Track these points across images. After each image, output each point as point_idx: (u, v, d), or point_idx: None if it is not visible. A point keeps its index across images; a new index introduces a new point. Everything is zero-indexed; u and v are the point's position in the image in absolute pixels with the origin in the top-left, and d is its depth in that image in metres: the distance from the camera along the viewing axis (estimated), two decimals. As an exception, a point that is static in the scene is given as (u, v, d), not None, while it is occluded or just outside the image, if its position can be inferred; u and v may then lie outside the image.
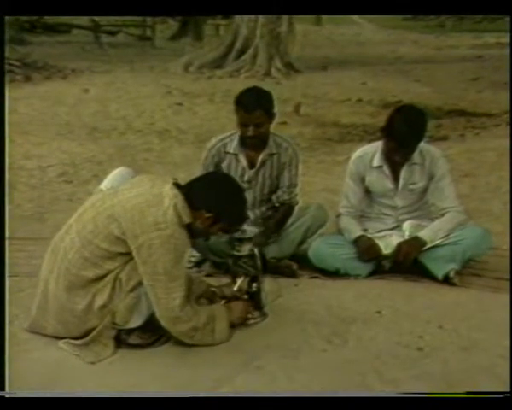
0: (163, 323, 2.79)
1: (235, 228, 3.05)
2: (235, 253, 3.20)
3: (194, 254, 3.84)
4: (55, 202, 5.18)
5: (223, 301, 3.07)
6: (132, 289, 2.80)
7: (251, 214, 3.91)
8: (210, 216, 2.79)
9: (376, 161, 3.78)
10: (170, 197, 2.72)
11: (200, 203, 2.78)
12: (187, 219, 2.76)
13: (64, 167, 6.18)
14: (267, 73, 12.32)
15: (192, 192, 2.80)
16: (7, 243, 2.70)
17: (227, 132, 3.92)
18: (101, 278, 2.80)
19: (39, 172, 5.92)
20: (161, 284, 2.72)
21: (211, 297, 3.13)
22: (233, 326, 2.98)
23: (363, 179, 3.84)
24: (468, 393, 2.22)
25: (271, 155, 3.84)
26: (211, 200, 2.80)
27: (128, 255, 2.77)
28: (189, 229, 2.80)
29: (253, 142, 3.73)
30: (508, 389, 2.36)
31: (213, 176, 3.03)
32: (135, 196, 2.75)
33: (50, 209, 4.98)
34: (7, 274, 2.70)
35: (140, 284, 2.79)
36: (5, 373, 2.43)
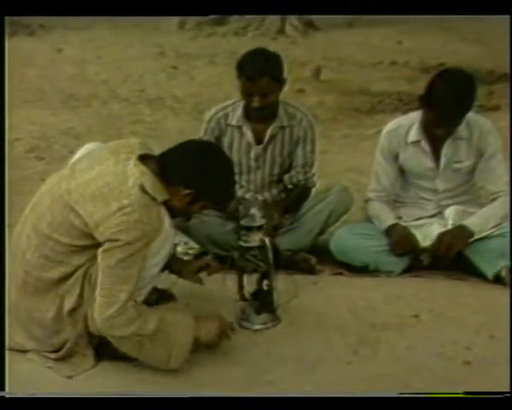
0: (96, 323, 2.72)
1: (220, 207, 3.04)
2: (243, 244, 3.21)
3: (192, 246, 3.87)
4: (24, 182, 5.19)
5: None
6: None
7: (260, 198, 3.92)
8: (189, 193, 2.76)
9: (413, 136, 3.78)
10: (135, 176, 2.67)
11: (176, 178, 2.75)
12: (160, 196, 2.71)
13: (34, 141, 6.19)
14: (280, 31, 12.26)
15: (166, 165, 2.76)
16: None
17: (230, 101, 3.93)
18: (69, 276, 2.79)
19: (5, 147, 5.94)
20: (111, 271, 2.66)
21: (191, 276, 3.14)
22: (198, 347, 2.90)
23: (396, 157, 3.85)
24: (467, 393, 2.45)
25: (282, 127, 3.85)
26: (188, 174, 2.76)
27: (98, 247, 2.73)
28: (167, 207, 2.77)
29: (260, 113, 3.75)
30: (508, 389, 2.58)
31: (192, 145, 2.92)
32: (94, 179, 2.71)
33: (18, 191, 4.98)
34: (7, 274, 2.84)
35: None
36: (5, 373, 2.66)
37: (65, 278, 2.79)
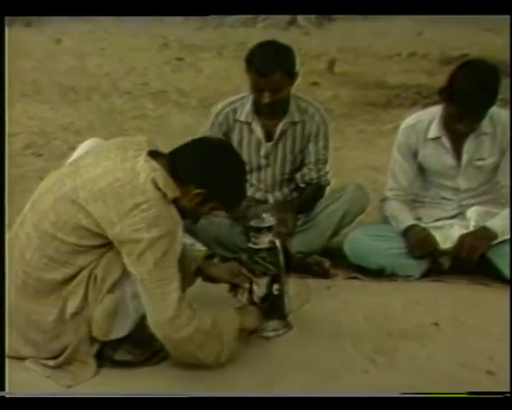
0: (157, 329, 2.76)
1: (230, 209, 3.04)
2: (252, 246, 3.18)
3: (199, 248, 3.86)
4: (21, 180, 5.21)
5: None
6: (111, 289, 2.79)
7: (270, 198, 3.91)
8: (200, 193, 2.77)
9: (433, 131, 3.77)
10: (147, 172, 2.68)
11: (187, 177, 2.75)
12: (171, 193, 2.72)
13: (31, 137, 6.22)
14: (292, 21, 12.28)
15: (177, 163, 2.77)
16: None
17: (238, 95, 3.93)
18: (73, 277, 2.79)
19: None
20: (153, 275, 2.70)
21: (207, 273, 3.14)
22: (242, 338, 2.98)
23: (415, 154, 3.84)
24: (469, 393, 2.55)
25: (294, 123, 3.85)
26: (200, 173, 2.77)
27: (105, 247, 2.75)
28: (176, 207, 2.77)
29: (270, 109, 3.74)
30: (508, 389, 2.66)
31: (204, 142, 2.95)
32: (102, 175, 2.71)
33: (14, 190, 4.99)
34: (7, 273, 2.85)
35: (121, 280, 2.78)
36: (5, 373, 2.71)
37: (68, 279, 2.78)
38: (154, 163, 2.71)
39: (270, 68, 3.60)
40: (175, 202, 2.74)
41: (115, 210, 2.66)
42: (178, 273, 2.73)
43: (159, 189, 2.67)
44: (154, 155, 2.76)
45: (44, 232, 2.76)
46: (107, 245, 2.74)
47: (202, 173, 2.77)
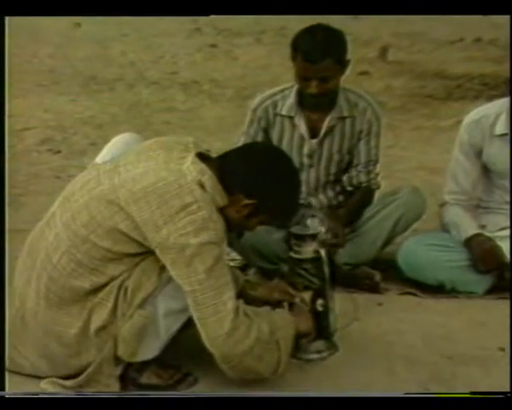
0: (214, 346, 2.75)
1: (280, 225, 3.04)
2: (293, 255, 3.18)
3: (234, 258, 3.87)
4: (35, 180, 5.25)
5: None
6: (142, 304, 2.79)
7: (314, 202, 3.90)
8: (250, 204, 2.78)
9: (501, 127, 3.74)
10: (193, 175, 2.70)
11: (236, 185, 2.77)
12: (221, 200, 2.74)
13: (48, 132, 6.27)
14: (339, 3, 12.28)
15: (226, 169, 2.79)
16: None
17: (279, 86, 3.92)
18: (101, 287, 2.80)
19: (12, 139, 5.99)
20: (205, 286, 2.70)
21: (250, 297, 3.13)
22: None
23: (479, 153, 3.81)
24: (469, 393, 2.71)
25: (342, 118, 3.84)
26: (251, 182, 2.79)
27: (139, 256, 2.77)
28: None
29: (317, 101, 3.73)
30: (508, 389, 2.80)
31: (257, 148, 3.01)
32: (143, 174, 2.73)
33: (28, 190, 5.04)
34: (7, 273, 2.93)
35: (154, 295, 2.79)
36: (5, 373, 2.81)
37: (96, 289, 2.79)
38: (202, 166, 2.73)
39: (319, 54, 3.59)
40: (221, 211, 2.76)
41: (159, 212, 2.67)
42: (232, 281, 2.75)
43: (206, 192, 2.69)
44: (201, 157, 2.78)
45: (75, 234, 2.78)
46: (142, 254, 2.75)
47: (254, 183, 2.78)
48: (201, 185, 2.69)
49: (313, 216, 3.52)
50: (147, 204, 2.69)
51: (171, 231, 2.66)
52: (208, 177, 2.71)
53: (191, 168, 2.71)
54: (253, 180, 2.79)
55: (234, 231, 2.93)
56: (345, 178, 3.93)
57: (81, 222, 2.77)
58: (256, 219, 2.86)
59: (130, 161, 2.81)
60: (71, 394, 2.77)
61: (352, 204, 3.89)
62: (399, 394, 2.70)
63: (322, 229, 3.45)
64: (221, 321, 2.70)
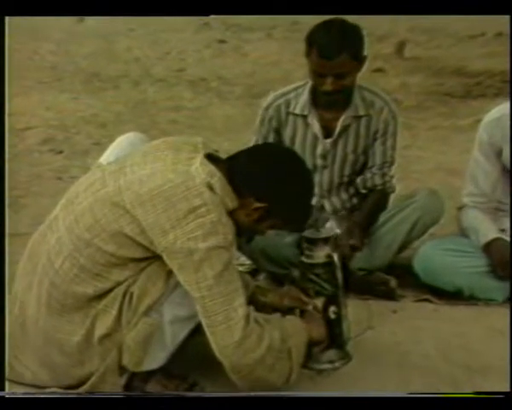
0: (224, 356, 2.75)
1: (292, 229, 3.03)
2: (305, 260, 3.17)
3: (243, 262, 3.88)
4: (37, 181, 5.26)
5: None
6: (148, 311, 2.80)
7: (327, 205, 3.90)
8: (261, 207, 2.78)
9: (522, 127, 3.73)
10: (202, 177, 2.70)
11: (247, 187, 2.78)
12: (230, 202, 2.74)
13: (49, 131, 6.28)
14: (353, -4, 12.27)
15: (236, 171, 2.79)
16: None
17: (292, 85, 3.93)
18: (105, 293, 2.80)
19: (13, 138, 6.01)
20: (214, 292, 2.70)
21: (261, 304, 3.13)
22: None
23: (499, 153, 3.81)
24: (469, 393, 2.82)
25: (357, 117, 3.84)
26: (263, 184, 2.79)
27: (145, 261, 2.77)
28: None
29: (332, 99, 3.73)
30: (508, 389, 2.88)
31: (268, 150, 3.00)
32: (150, 176, 2.73)
33: (29, 192, 5.06)
34: (7, 273, 2.98)
35: (160, 302, 2.80)
36: (5, 373, 2.86)
37: (100, 295, 2.79)
38: (211, 167, 2.73)
39: (335, 50, 3.59)
40: (230, 214, 2.76)
41: (166, 215, 2.67)
42: (242, 287, 2.76)
43: (216, 194, 2.69)
44: (210, 158, 2.78)
45: (79, 237, 2.78)
46: (148, 259, 2.75)
47: (265, 185, 2.78)
48: (210, 187, 2.69)
49: (328, 219, 3.52)
50: (153, 207, 2.68)
51: (178, 236, 2.66)
52: (217, 179, 2.71)
53: (200, 170, 2.71)
54: (263, 183, 2.79)
55: (244, 235, 2.93)
56: (359, 180, 3.93)
57: (84, 225, 2.77)
58: (267, 223, 2.86)
59: (136, 162, 2.81)
60: (71, 394, 2.79)
61: (368, 207, 3.88)
62: (402, 394, 2.77)
63: (338, 230, 3.45)
64: (231, 329, 2.70)
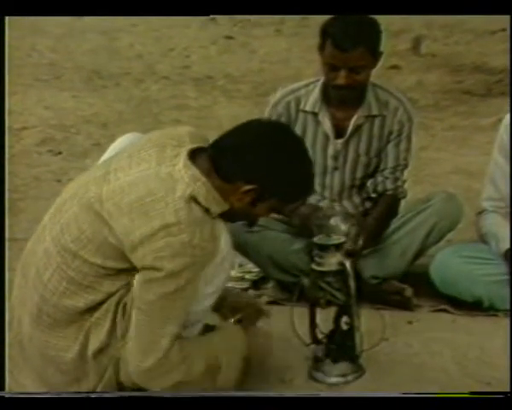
0: (133, 374, 2.77)
1: (291, 203, 2.96)
2: (315, 268, 3.17)
3: (250, 270, 3.87)
4: (35, 183, 5.27)
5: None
6: None
7: (338, 209, 3.89)
8: (251, 189, 2.73)
9: (545, 126, 3.73)
10: (185, 183, 2.66)
11: (233, 171, 2.73)
12: (215, 208, 2.70)
13: (48, 131, 6.29)
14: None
15: (221, 155, 2.75)
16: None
17: (302, 81, 3.93)
18: (98, 305, 2.78)
19: (10, 138, 6.01)
20: (151, 309, 2.69)
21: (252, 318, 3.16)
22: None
23: (521, 156, 3.79)
24: (469, 393, 2.82)
25: (371, 117, 3.84)
26: (248, 164, 2.73)
27: (136, 270, 2.73)
28: (226, 213, 2.76)
29: (344, 95, 3.72)
30: (508, 389, 2.94)
31: (252, 127, 2.87)
32: (133, 185, 2.70)
33: (27, 195, 5.06)
34: (7, 274, 3.07)
35: None
36: (5, 373, 2.90)
37: (92, 308, 2.77)
38: (194, 170, 2.69)
39: (351, 42, 3.58)
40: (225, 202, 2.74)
41: (140, 231, 2.64)
42: (183, 315, 2.73)
43: (199, 204, 2.66)
44: (195, 154, 2.75)
45: (65, 249, 2.76)
46: (136, 270, 2.73)
47: (250, 164, 2.73)
48: (193, 198, 2.65)
49: (335, 215, 3.51)
50: (130, 221, 2.66)
51: (146, 253, 2.65)
52: (201, 184, 2.67)
53: (183, 173, 2.67)
54: (248, 162, 2.73)
55: (241, 220, 2.92)
56: (369, 183, 3.92)
57: (70, 236, 2.75)
58: (264, 206, 2.81)
59: (120, 166, 2.78)
60: (71, 394, 2.80)
61: (379, 213, 3.87)
62: (397, 394, 2.77)
63: (343, 226, 3.44)
64: (146, 353, 2.71)
